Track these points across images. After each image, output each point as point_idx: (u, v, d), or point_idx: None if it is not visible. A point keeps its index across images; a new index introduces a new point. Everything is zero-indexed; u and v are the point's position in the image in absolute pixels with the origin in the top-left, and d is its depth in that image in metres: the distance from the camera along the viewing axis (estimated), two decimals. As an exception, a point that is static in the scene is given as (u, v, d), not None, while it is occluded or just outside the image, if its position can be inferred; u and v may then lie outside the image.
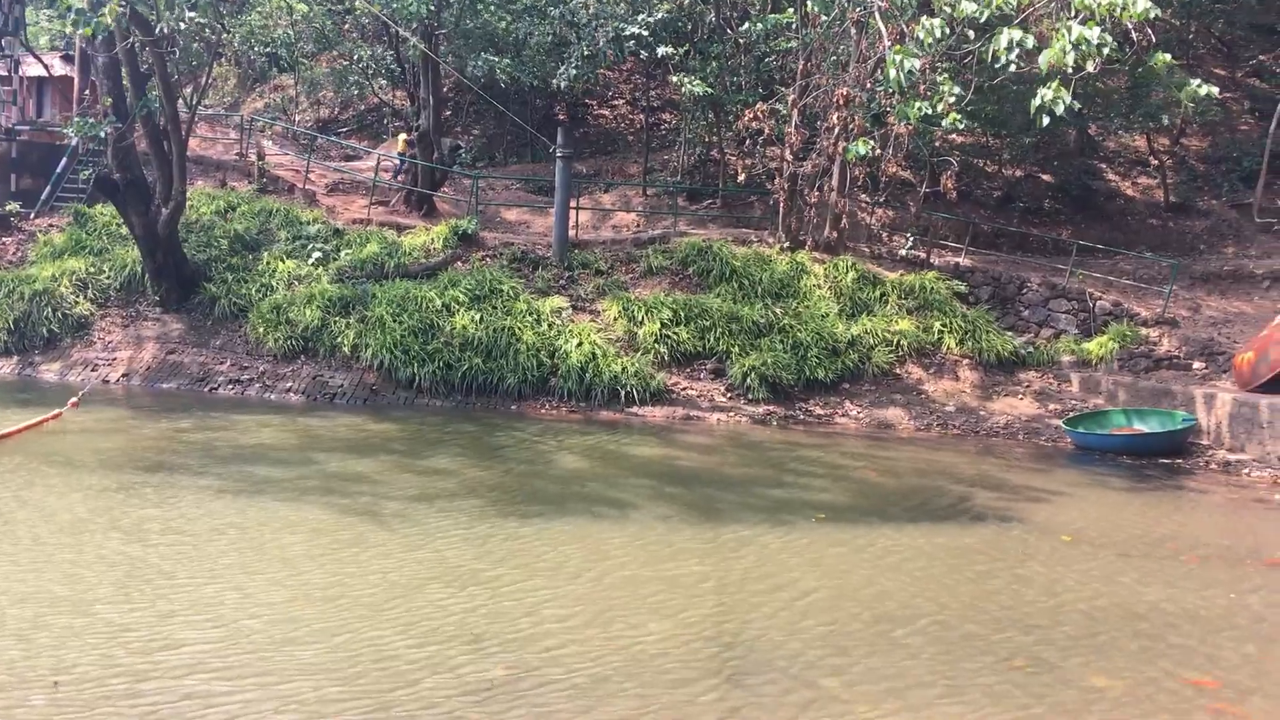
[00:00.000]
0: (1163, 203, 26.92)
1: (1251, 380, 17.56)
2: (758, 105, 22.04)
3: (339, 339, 19.90)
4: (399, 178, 26.56)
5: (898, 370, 20.68)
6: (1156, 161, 27.80)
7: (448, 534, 10.62)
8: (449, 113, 31.44)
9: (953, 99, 13.91)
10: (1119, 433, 17.87)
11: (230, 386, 19.44)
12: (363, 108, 34.63)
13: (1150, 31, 13.06)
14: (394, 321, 19.82)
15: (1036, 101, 12.20)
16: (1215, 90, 13.98)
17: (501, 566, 9.65)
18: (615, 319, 20.74)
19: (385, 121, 33.12)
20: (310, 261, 21.99)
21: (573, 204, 23.87)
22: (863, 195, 24.15)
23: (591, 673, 7.31)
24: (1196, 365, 20.05)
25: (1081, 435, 17.92)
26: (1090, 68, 11.91)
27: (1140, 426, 17.90)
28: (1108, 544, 11.48)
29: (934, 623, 8.64)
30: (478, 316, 20.04)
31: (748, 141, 26.27)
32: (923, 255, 23.72)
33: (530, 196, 27.79)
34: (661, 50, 24.03)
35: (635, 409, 18.96)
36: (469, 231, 23.04)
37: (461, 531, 10.74)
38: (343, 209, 25.18)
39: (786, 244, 23.01)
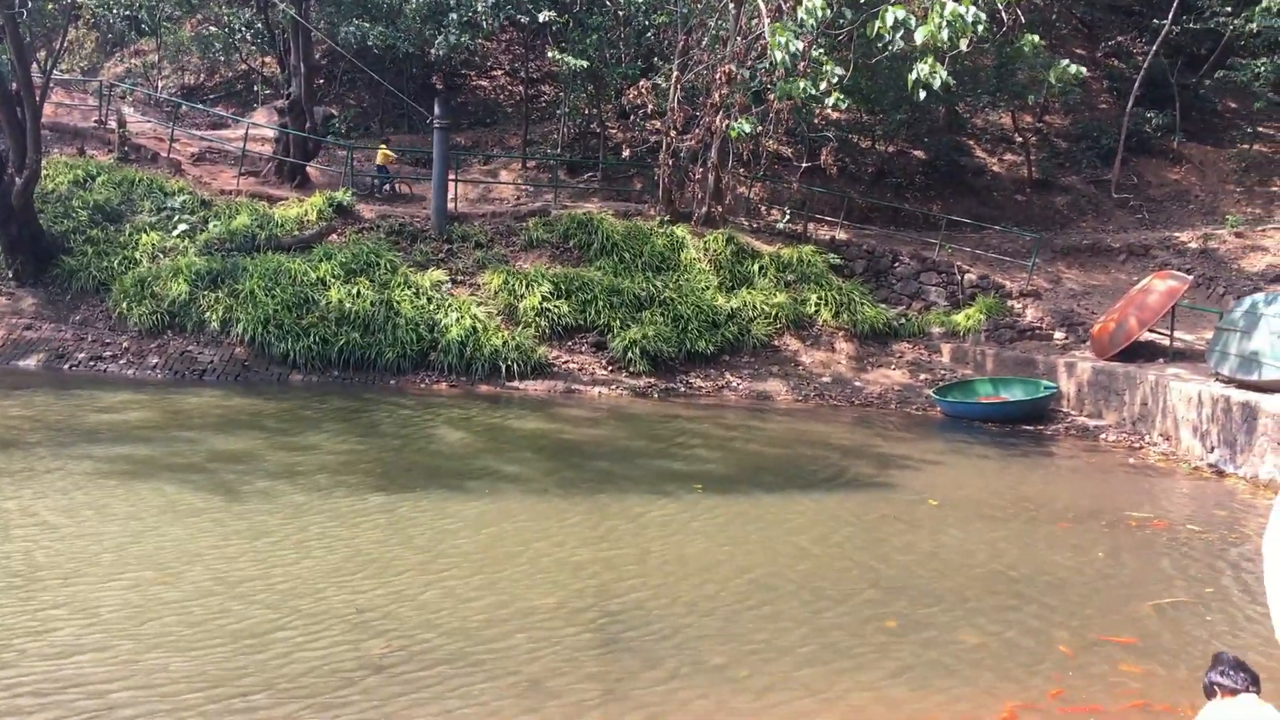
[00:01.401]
0: (1027, 178, 27.89)
1: (1109, 349, 18.38)
2: (640, 82, 22.04)
3: (208, 313, 19.25)
4: (386, 188, 24.76)
5: (776, 342, 21.02)
6: (1021, 139, 28.78)
7: (336, 514, 10.40)
8: (322, 81, 30.57)
9: (835, 79, 14.13)
10: (986, 401, 18.52)
11: (92, 364, 18.64)
12: (230, 74, 33.42)
13: (1019, 11, 13.49)
14: (266, 295, 19.26)
15: (914, 75, 12.49)
16: (1083, 70, 14.53)
17: (389, 543, 9.51)
18: (496, 292, 20.56)
19: (255, 89, 32.04)
20: (176, 233, 21.19)
21: (451, 176, 23.53)
22: (742, 170, 24.40)
23: (477, 646, 7.29)
24: (1058, 335, 20.90)
25: (951, 404, 18.52)
26: (963, 45, 12.25)
27: (1006, 394, 18.59)
28: (976, 508, 11.91)
29: (808, 588, 8.85)
30: (354, 290, 19.63)
31: (630, 116, 26.27)
32: (800, 229, 24.11)
33: (408, 168, 27.27)
34: (543, 15, 23.76)
35: (516, 383, 18.85)
36: (344, 203, 22.51)
37: (337, 510, 10.53)
38: (210, 179, 24.31)
39: (667, 217, 23.12)
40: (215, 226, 21.34)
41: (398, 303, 19.54)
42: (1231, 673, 4.66)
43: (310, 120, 24.88)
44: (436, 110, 22.20)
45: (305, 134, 24.64)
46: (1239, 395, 14.30)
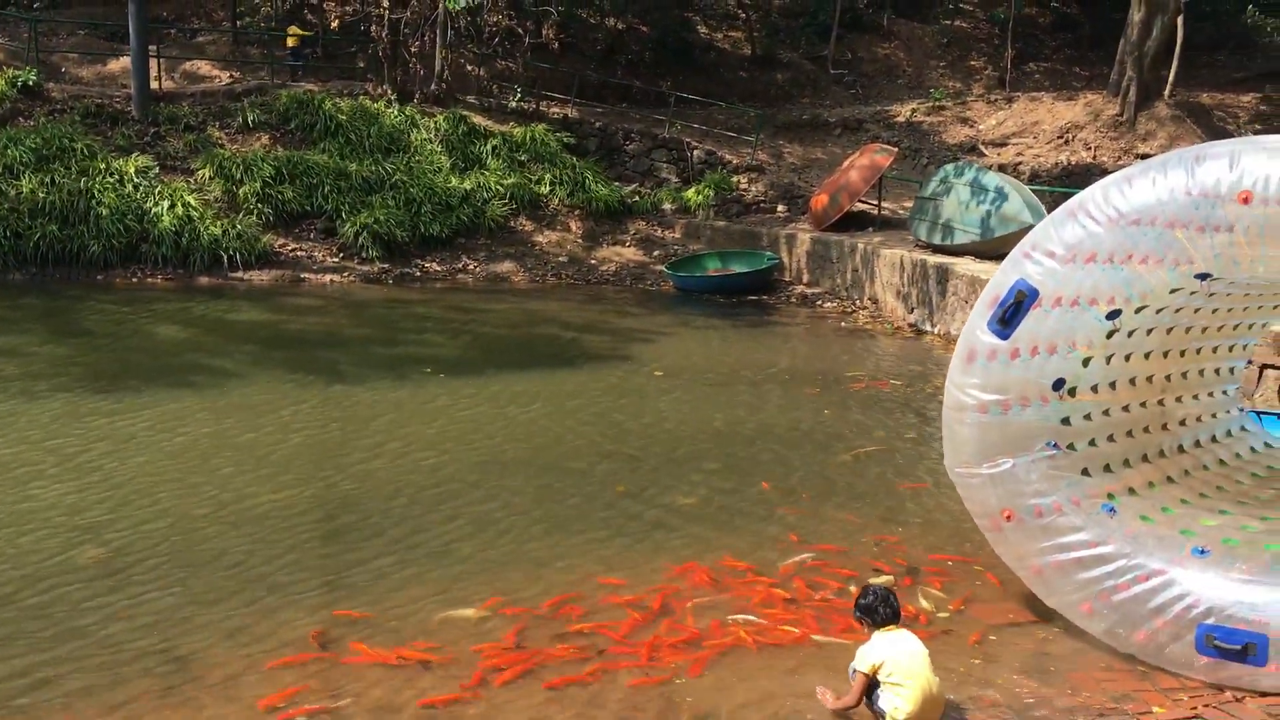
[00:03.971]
0: (750, 55, 28.60)
1: (824, 220, 19.41)
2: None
3: (-127, 209, 17.21)
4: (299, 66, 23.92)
5: (511, 224, 20.94)
6: (744, 15, 29.38)
7: (46, 420, 9.65)
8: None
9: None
10: (714, 274, 19.25)
11: None
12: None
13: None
14: (-57, 187, 17.39)
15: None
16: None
17: (98, 447, 8.98)
18: (211, 179, 19.38)
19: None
20: None
21: (153, 52, 21.70)
22: (470, 46, 23.77)
23: (199, 544, 7.07)
24: (780, 208, 21.87)
25: (681, 278, 19.16)
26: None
27: (733, 267, 19.37)
28: (700, 376, 12.45)
29: (539, 462, 9.06)
30: (48, 179, 18.01)
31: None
32: (532, 108, 23.87)
33: (102, 43, 24.92)
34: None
35: (240, 273, 18.02)
36: (29, 83, 20.40)
37: (49, 415, 9.81)
38: None
39: (394, 96, 22.32)
40: (-127, 110, 18.93)
41: (99, 192, 18.10)
42: (882, 609, 5.04)
43: (-19, -11, 22.25)
44: (130, -21, 20.31)
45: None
46: (934, 259, 15.49)
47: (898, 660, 4.83)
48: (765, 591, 6.54)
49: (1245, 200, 4.86)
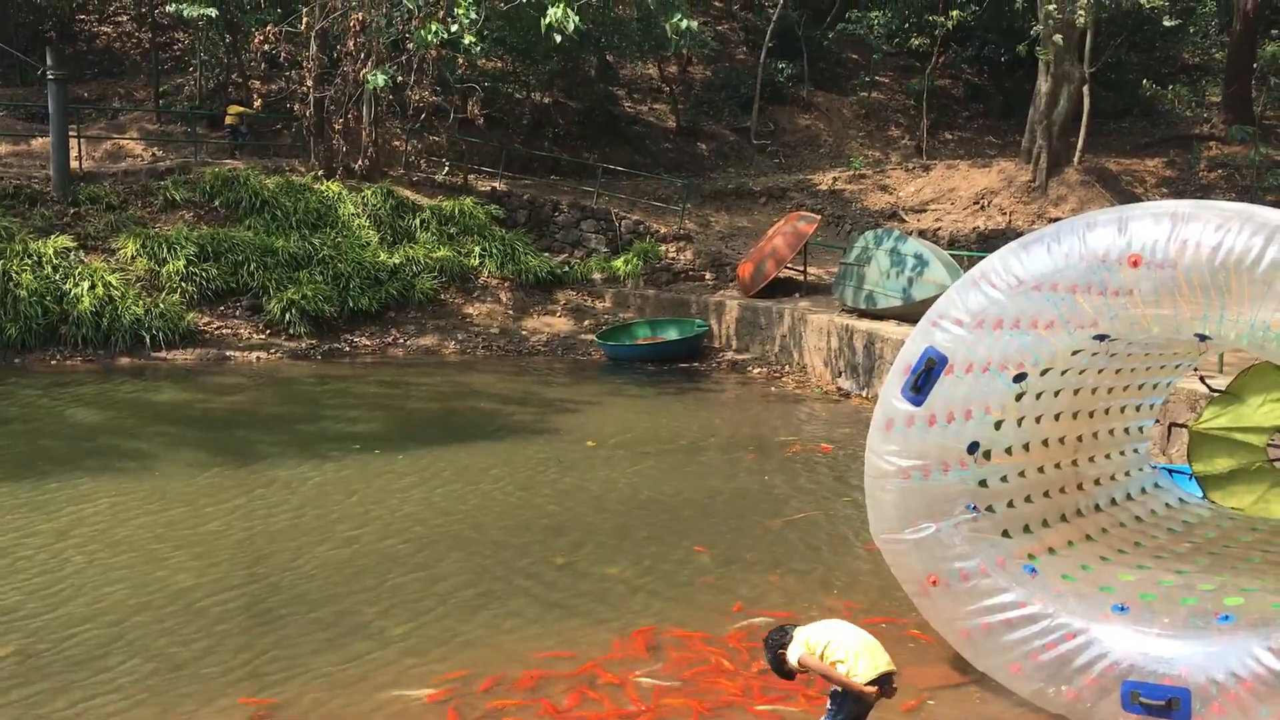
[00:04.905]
0: (675, 127, 29.13)
1: (752, 287, 19.67)
2: (268, 27, 20.92)
3: None
4: (237, 153, 23.74)
5: (442, 296, 20.91)
6: (668, 88, 29.96)
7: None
8: (-92, 25, 26.92)
9: (469, 22, 14.14)
10: (644, 342, 19.37)
11: None
12: None
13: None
14: None
15: (546, 20, 12.78)
16: (694, 24, 15.35)
17: (18, 535, 8.73)
18: (133, 258, 19.12)
19: None
20: None
21: (73, 132, 21.50)
22: (395, 122, 23.90)
23: (119, 634, 6.86)
24: (708, 276, 22.13)
25: (612, 347, 19.24)
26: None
27: (664, 335, 19.51)
28: (632, 445, 12.46)
29: (468, 536, 8.98)
30: (-38, 263, 17.68)
31: (264, 66, 25.01)
32: (460, 181, 23.99)
33: (21, 125, 24.63)
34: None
35: (163, 353, 17.76)
36: (-56, 165, 20.08)
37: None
38: None
39: (320, 172, 22.29)
40: None
41: (17, 274, 17.75)
42: (787, 628, 5.14)
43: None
44: (49, 60, 20.18)
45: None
46: (861, 324, 15.76)
47: (815, 630, 5.06)
48: (715, 661, 6.52)
49: (1135, 264, 5.07)
